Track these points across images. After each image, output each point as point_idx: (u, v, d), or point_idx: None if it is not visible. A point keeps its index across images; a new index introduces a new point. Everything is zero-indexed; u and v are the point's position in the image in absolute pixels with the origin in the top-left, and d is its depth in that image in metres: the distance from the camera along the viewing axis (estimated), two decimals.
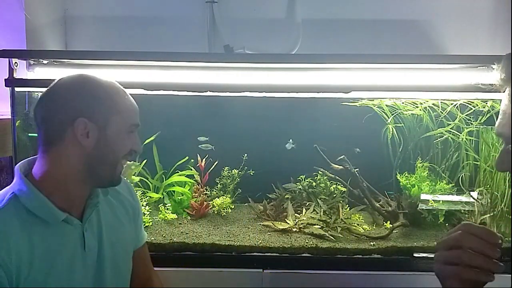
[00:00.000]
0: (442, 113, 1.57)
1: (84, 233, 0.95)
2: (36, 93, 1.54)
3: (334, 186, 1.72)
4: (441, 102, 1.55)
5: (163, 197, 1.75)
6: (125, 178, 1.16)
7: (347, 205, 1.66)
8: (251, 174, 1.78)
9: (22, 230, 0.85)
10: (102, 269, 0.99)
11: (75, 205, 0.95)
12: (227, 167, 1.80)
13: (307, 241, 1.44)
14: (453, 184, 1.61)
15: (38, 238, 0.87)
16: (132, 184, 1.37)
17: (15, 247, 0.83)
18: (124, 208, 1.09)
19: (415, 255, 1.39)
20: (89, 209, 0.97)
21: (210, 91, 1.37)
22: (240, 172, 1.78)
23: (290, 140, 1.80)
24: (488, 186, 1.55)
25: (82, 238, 0.95)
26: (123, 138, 0.94)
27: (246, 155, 1.80)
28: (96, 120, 0.90)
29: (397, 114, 1.66)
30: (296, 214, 1.62)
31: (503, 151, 0.67)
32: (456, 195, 1.58)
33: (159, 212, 1.62)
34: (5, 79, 1.36)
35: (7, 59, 1.35)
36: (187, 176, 1.74)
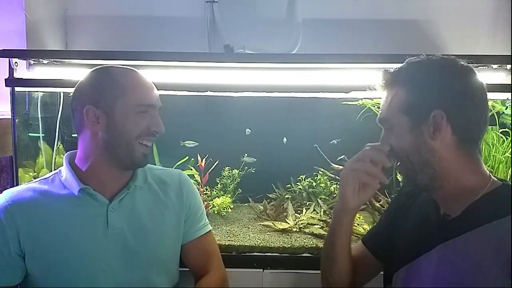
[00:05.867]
0: None
1: (108, 212, 0.99)
2: (36, 93, 1.54)
3: (334, 186, 1.72)
4: None
5: None
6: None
7: None
8: (253, 172, 1.78)
9: (49, 197, 0.99)
10: (131, 252, 1.00)
11: (109, 187, 1.02)
12: (227, 167, 1.80)
13: (307, 241, 1.45)
14: None
15: (62, 207, 0.98)
16: None
17: (36, 212, 0.96)
18: (169, 199, 1.10)
19: None
20: (121, 192, 1.02)
21: (210, 91, 1.38)
22: (240, 172, 1.78)
23: (285, 139, 1.82)
24: None
25: (106, 216, 0.99)
26: (132, 118, 0.97)
27: (246, 155, 1.80)
28: (103, 105, 0.96)
29: None
30: (296, 214, 1.63)
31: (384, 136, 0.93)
32: None
33: None
34: (5, 79, 1.36)
35: (7, 59, 1.35)
36: (187, 176, 1.74)
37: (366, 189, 0.93)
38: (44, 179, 1.04)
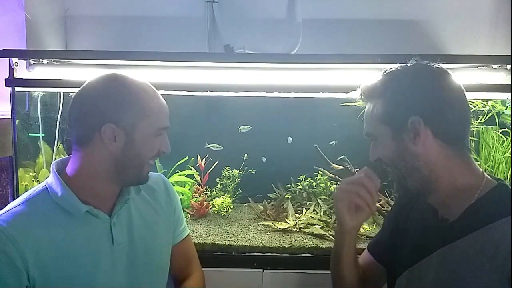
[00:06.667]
0: None
1: (112, 228, 0.96)
2: (36, 93, 1.54)
3: (334, 186, 1.72)
4: None
5: None
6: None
7: None
8: (253, 172, 1.78)
9: (47, 220, 0.89)
10: (135, 265, 0.99)
11: (105, 202, 0.97)
12: (227, 167, 1.80)
13: (307, 241, 1.45)
14: None
15: (63, 229, 0.90)
16: None
17: (39, 237, 0.87)
18: (160, 205, 1.09)
19: None
20: (118, 205, 0.98)
21: (210, 91, 1.38)
22: (240, 172, 1.78)
23: (290, 138, 1.82)
24: None
25: (110, 233, 0.96)
26: (150, 141, 0.94)
27: (246, 155, 1.80)
28: (123, 125, 0.90)
29: None
30: (296, 214, 1.63)
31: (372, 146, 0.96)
32: None
33: None
34: (5, 79, 1.36)
35: (7, 59, 1.35)
36: (187, 176, 1.75)
37: (360, 211, 0.95)
38: (30, 198, 0.92)
